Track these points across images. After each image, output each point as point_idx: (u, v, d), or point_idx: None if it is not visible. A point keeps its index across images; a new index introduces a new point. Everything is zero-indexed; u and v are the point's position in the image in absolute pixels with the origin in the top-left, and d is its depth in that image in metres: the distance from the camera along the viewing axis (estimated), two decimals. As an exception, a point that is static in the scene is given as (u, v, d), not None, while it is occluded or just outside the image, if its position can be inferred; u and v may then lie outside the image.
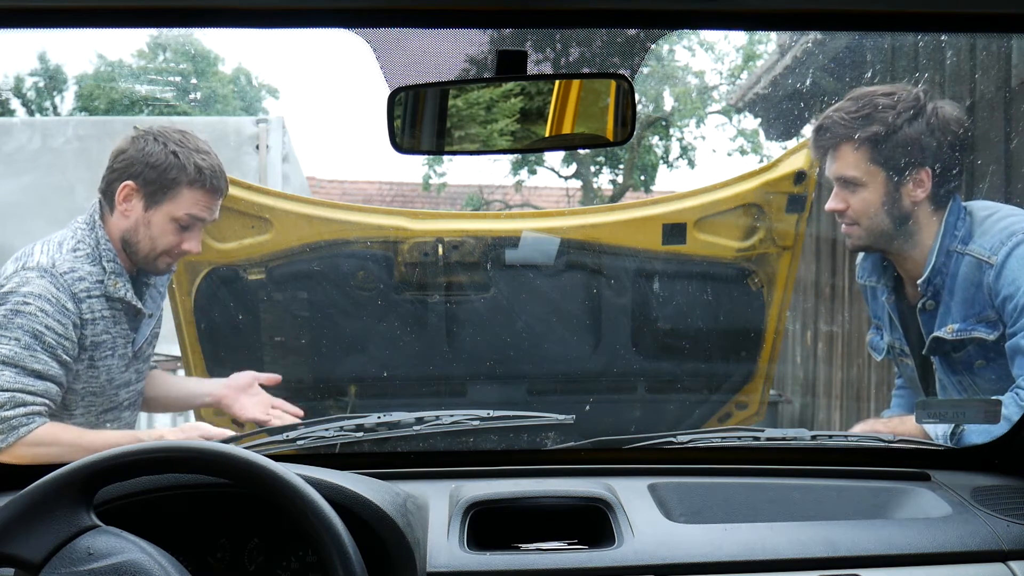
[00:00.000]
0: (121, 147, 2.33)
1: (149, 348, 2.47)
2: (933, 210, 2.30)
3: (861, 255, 2.53)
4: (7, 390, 2.11)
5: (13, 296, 2.18)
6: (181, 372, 3.32)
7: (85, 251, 2.28)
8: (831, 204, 2.34)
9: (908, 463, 1.83)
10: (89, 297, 2.25)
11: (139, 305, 2.34)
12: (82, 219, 2.35)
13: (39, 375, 2.15)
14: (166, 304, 2.62)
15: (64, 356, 2.19)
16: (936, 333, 2.32)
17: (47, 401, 2.17)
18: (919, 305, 2.35)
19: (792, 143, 5.98)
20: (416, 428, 2.01)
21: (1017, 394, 2.11)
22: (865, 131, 2.25)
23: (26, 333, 2.15)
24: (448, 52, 1.44)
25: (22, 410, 2.11)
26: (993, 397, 2.13)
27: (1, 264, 2.32)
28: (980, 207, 2.33)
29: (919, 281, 2.30)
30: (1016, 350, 2.17)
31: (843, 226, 2.36)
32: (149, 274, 2.44)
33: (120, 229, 2.32)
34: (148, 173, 2.29)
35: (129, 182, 2.29)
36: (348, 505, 1.33)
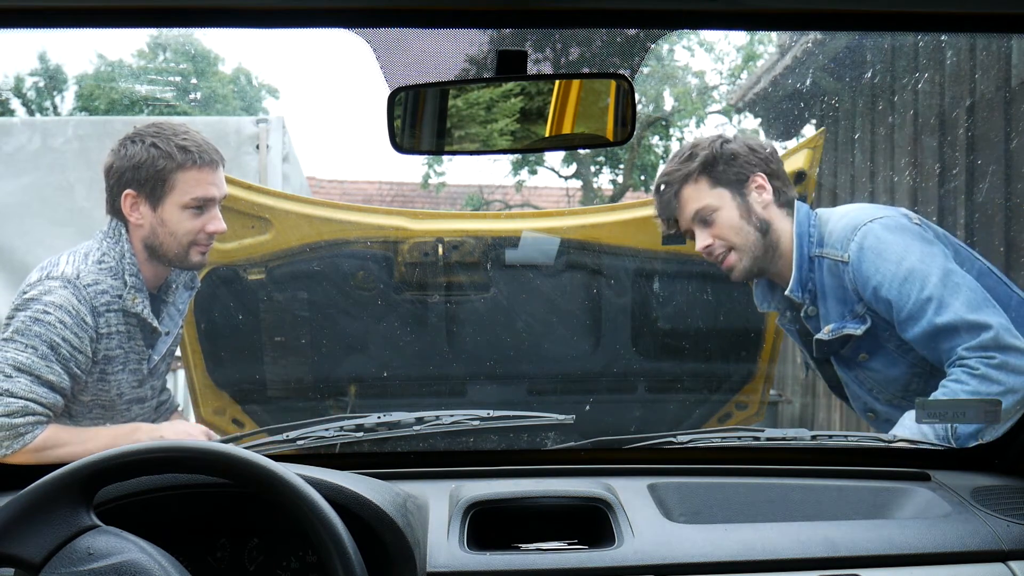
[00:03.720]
0: (107, 164, 2.33)
1: (164, 365, 2.45)
2: (786, 216, 2.43)
3: (754, 285, 2.61)
4: (21, 398, 2.12)
5: (35, 304, 2.18)
6: (181, 372, 3.32)
7: (110, 264, 2.27)
8: (699, 246, 2.46)
9: (908, 463, 1.83)
10: (108, 311, 2.25)
11: (154, 323, 2.33)
12: (106, 230, 2.33)
13: (51, 386, 2.15)
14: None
15: (75, 369, 2.20)
16: (816, 336, 2.42)
17: (52, 412, 2.17)
18: (803, 313, 2.45)
19: (792, 143, 5.98)
20: (416, 428, 2.01)
21: (965, 366, 2.15)
22: (694, 165, 2.43)
23: (43, 342, 2.15)
24: (448, 52, 1.43)
25: (31, 419, 2.12)
26: (944, 379, 2.21)
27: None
28: (826, 212, 2.46)
29: (787, 291, 2.40)
30: (925, 337, 2.22)
31: (723, 265, 2.46)
32: (169, 291, 2.44)
33: (140, 238, 2.31)
34: (139, 174, 2.28)
35: (128, 191, 2.29)
36: (348, 505, 1.33)
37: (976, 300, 2.20)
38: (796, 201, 2.45)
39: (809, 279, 2.39)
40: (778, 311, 2.58)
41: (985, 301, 2.21)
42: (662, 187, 2.50)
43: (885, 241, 2.28)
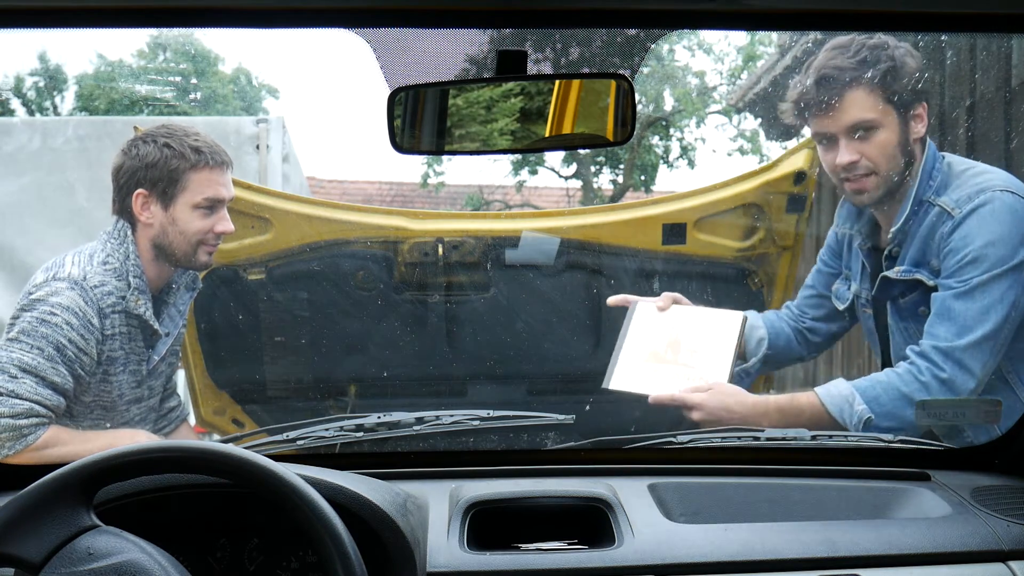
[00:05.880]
0: (117, 163, 2.34)
1: (163, 365, 2.46)
2: (920, 152, 2.28)
3: (840, 204, 2.49)
4: (26, 399, 2.12)
5: (41, 305, 2.18)
6: (181, 372, 3.32)
7: (114, 265, 2.28)
8: (844, 158, 2.24)
9: (908, 463, 1.83)
10: (113, 312, 2.26)
11: (155, 325, 2.33)
12: (111, 231, 2.34)
13: (55, 387, 2.16)
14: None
15: (79, 371, 2.20)
16: (885, 272, 2.31)
17: (55, 414, 2.18)
18: (886, 252, 2.34)
19: (792, 143, 5.98)
20: (416, 428, 2.01)
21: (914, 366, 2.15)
22: (875, 70, 2.21)
23: (50, 344, 2.15)
24: (448, 52, 1.44)
25: (35, 420, 2.12)
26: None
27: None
28: (958, 161, 2.31)
29: (892, 229, 2.29)
30: (939, 307, 2.17)
31: (851, 184, 2.29)
32: (171, 292, 2.45)
33: (149, 238, 2.33)
34: (152, 174, 2.29)
35: (139, 190, 2.30)
36: (348, 505, 1.33)
37: (986, 316, 2.13)
38: (928, 139, 2.28)
39: (912, 219, 2.25)
40: (859, 235, 2.45)
41: (995, 323, 2.13)
42: (827, 79, 2.24)
43: (1000, 216, 2.14)
